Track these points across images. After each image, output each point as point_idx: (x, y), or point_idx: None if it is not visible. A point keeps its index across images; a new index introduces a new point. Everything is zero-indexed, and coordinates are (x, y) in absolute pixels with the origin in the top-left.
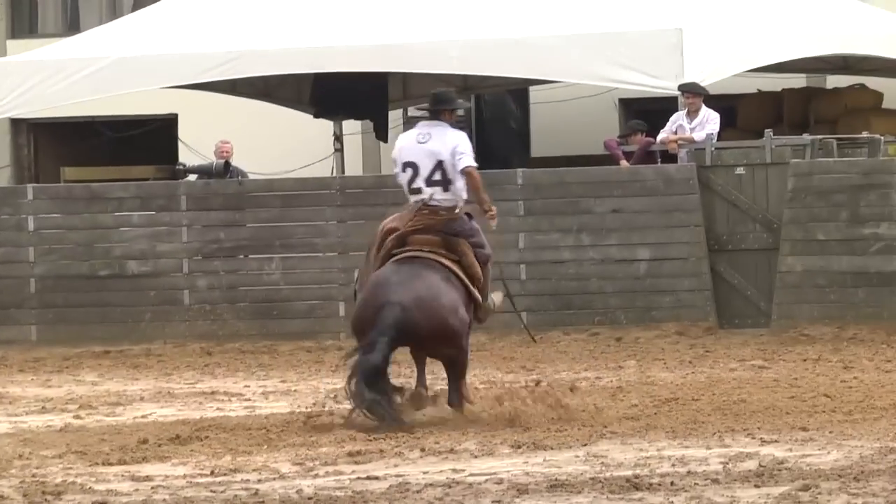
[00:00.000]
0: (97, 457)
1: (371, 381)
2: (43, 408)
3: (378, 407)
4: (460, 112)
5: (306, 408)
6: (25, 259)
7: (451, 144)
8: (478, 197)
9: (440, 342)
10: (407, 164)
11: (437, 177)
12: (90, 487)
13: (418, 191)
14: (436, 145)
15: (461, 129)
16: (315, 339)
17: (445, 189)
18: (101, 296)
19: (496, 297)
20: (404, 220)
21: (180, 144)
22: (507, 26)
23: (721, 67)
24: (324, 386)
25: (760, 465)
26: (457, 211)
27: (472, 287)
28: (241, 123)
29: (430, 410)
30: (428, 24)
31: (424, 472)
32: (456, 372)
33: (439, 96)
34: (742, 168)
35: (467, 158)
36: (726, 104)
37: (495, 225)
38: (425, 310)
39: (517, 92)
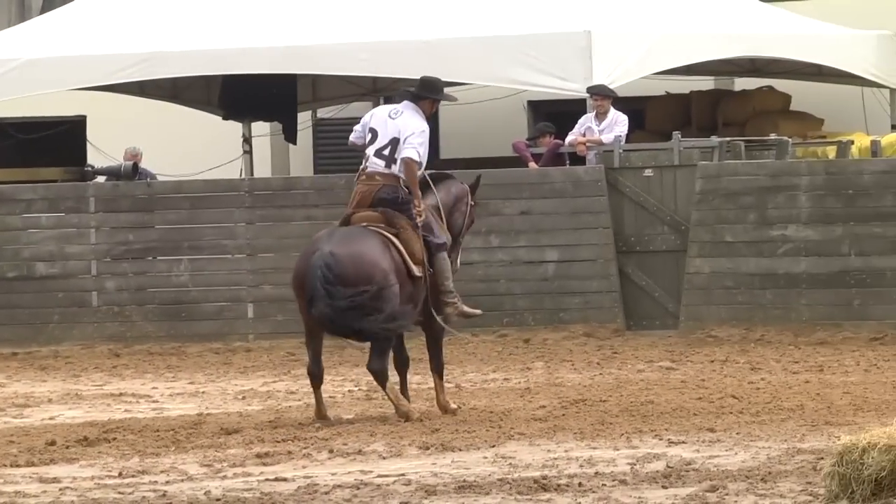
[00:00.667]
0: (5, 458)
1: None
2: None
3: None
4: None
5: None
6: None
7: (409, 130)
8: (411, 189)
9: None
10: (371, 130)
11: (386, 152)
12: None
13: (366, 157)
14: (400, 124)
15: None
16: (223, 340)
17: (387, 165)
18: (8, 298)
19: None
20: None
21: (89, 146)
22: (417, 28)
23: (629, 70)
24: (232, 387)
25: (668, 466)
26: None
27: (409, 260)
28: (150, 125)
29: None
30: (337, 26)
31: (333, 474)
32: (378, 346)
33: (427, 84)
34: (650, 170)
35: (410, 150)
36: (635, 106)
37: (420, 222)
38: (352, 256)
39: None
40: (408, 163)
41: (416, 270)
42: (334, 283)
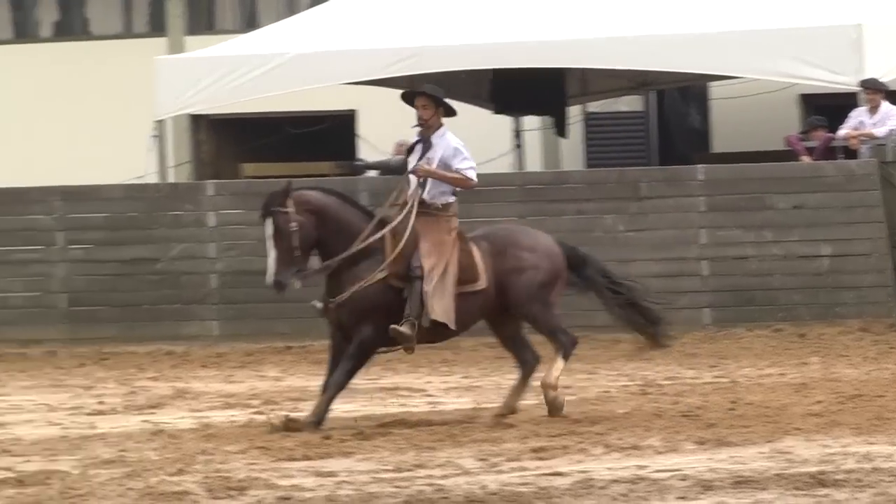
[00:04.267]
0: (281, 452)
1: None
2: (226, 403)
3: None
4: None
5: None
6: (207, 255)
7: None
8: None
9: None
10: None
11: None
12: (274, 483)
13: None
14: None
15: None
16: None
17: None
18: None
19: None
20: None
21: (359, 141)
22: (687, 21)
23: None
24: (506, 382)
25: None
26: None
27: None
28: None
29: None
30: (607, 20)
31: (609, 469)
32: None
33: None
34: None
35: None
36: None
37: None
38: None
39: (697, 88)
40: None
41: None
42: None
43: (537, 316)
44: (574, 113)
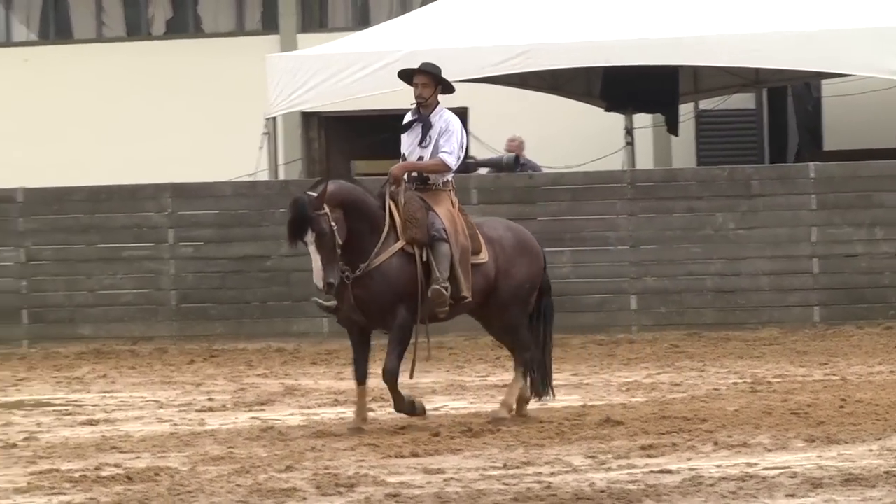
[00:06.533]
0: (390, 449)
1: None
2: (335, 400)
3: None
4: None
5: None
6: None
7: None
8: None
9: None
10: None
11: None
12: (383, 479)
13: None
14: None
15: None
16: (606, 332)
17: None
18: None
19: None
20: None
21: (470, 138)
22: (800, 19)
23: None
24: (615, 379)
25: None
26: None
27: None
28: (531, 117)
29: None
30: (719, 17)
31: (717, 466)
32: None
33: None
34: None
35: None
36: None
37: None
38: None
39: (808, 85)
40: None
41: None
42: None
43: (514, 319)
44: (685, 110)
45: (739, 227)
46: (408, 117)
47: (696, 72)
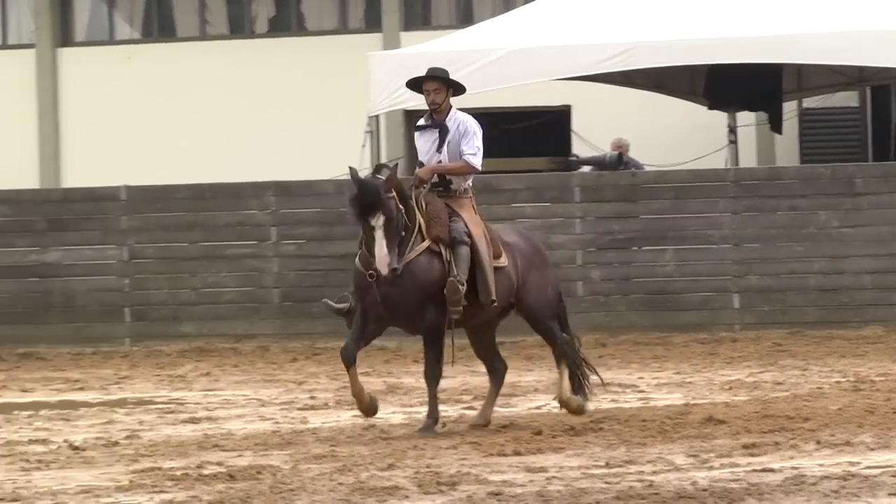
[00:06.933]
0: (492, 447)
1: None
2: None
3: None
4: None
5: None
6: None
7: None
8: None
9: None
10: None
11: None
12: (485, 478)
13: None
14: None
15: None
16: (709, 330)
17: None
18: None
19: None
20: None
21: (573, 136)
22: None
23: None
24: (718, 378)
25: None
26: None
27: None
28: (634, 115)
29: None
30: (823, 15)
31: (820, 465)
32: None
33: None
34: None
35: None
36: None
37: None
38: None
39: None
40: None
41: None
42: None
43: (544, 321)
44: (789, 108)
45: (843, 226)
46: (420, 123)
47: (799, 70)
